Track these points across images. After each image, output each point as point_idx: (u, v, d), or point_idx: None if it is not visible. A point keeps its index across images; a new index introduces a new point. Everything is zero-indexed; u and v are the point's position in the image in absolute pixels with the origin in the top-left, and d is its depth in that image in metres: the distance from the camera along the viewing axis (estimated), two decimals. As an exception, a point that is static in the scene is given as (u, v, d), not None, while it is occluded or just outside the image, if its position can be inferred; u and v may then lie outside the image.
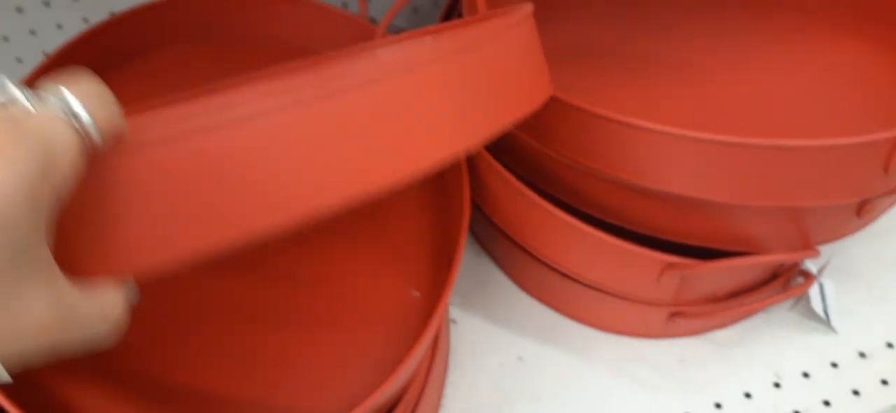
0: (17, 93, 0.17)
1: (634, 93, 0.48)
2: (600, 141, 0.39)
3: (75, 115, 0.18)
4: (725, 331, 0.49)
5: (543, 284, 0.49)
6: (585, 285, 0.46)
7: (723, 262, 0.41)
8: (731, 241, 0.42)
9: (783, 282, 0.47)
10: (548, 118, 0.41)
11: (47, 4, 0.58)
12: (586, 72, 0.50)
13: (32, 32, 0.59)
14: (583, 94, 0.40)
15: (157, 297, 0.35)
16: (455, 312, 0.50)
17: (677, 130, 0.36)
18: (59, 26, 0.59)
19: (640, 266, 0.42)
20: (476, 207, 0.49)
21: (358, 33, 0.52)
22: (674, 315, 0.45)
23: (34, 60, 0.61)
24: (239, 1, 0.54)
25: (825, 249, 0.52)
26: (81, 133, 0.18)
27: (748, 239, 0.42)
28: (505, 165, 0.45)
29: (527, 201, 0.43)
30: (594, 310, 0.48)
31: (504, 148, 0.45)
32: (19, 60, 0.60)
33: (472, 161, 0.46)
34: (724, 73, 0.50)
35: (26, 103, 0.17)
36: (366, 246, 0.44)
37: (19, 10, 0.57)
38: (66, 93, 0.18)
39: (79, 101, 0.18)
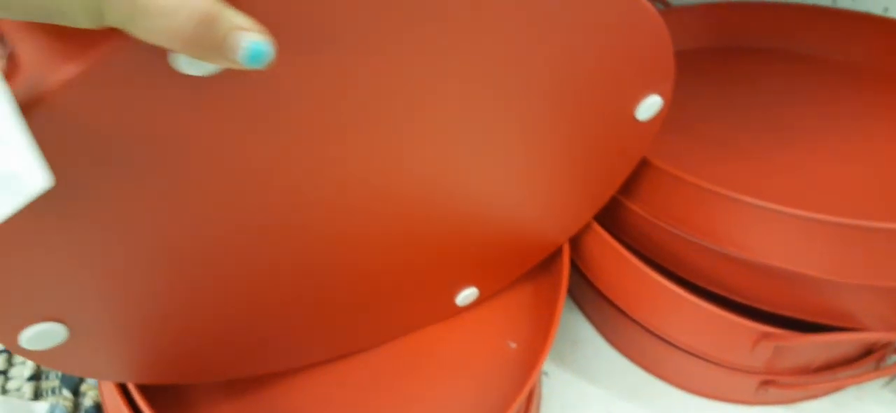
0: None
1: (738, 167, 0.49)
2: (706, 214, 0.41)
3: None
4: (815, 402, 0.49)
5: (635, 344, 0.51)
6: (678, 348, 0.47)
7: (821, 336, 0.42)
8: (829, 315, 0.43)
9: (877, 358, 0.47)
10: (654, 188, 0.44)
11: None
12: (691, 145, 0.52)
13: None
14: (687, 166, 0.42)
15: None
16: (547, 365, 0.52)
17: (784, 208, 0.38)
18: None
19: (736, 334, 0.43)
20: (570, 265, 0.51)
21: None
22: (765, 384, 0.46)
23: None
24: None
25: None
26: None
27: (846, 314, 0.43)
28: (604, 228, 0.47)
29: (626, 264, 0.45)
30: (685, 373, 0.49)
31: (605, 212, 0.47)
32: None
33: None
34: (828, 149, 0.51)
35: None
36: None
37: None
38: None
39: None
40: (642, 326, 0.48)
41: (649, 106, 0.38)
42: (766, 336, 0.43)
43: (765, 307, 0.44)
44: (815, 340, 0.42)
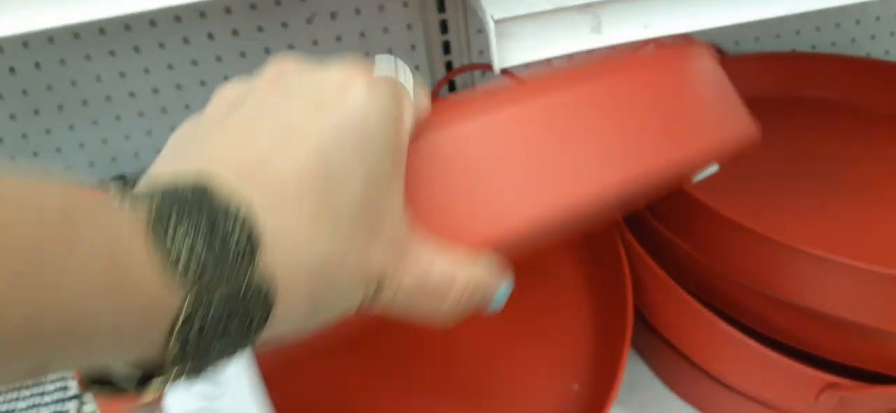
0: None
1: (799, 221, 0.50)
2: (773, 265, 0.42)
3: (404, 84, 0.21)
4: (879, 455, 0.49)
5: (695, 388, 0.51)
6: (739, 393, 0.48)
7: (887, 388, 0.42)
8: (891, 365, 0.43)
9: (943, 413, 0.47)
10: (713, 233, 0.44)
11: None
12: (752, 197, 0.52)
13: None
14: (747, 210, 0.43)
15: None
16: (605, 407, 0.53)
17: (847, 261, 0.39)
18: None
19: (801, 383, 0.44)
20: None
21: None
22: (827, 433, 0.46)
23: None
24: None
25: None
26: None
27: (914, 367, 0.43)
28: (668, 273, 0.48)
29: (689, 309, 0.46)
30: (745, 418, 0.49)
31: (666, 256, 0.48)
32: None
33: (633, 266, 0.49)
34: (879, 202, 0.51)
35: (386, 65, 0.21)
36: (530, 340, 0.48)
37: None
38: (402, 65, 0.22)
39: (409, 76, 0.21)
40: (703, 371, 0.48)
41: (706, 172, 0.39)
42: (831, 386, 0.43)
43: (827, 356, 0.44)
44: (884, 392, 0.42)
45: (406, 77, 0.21)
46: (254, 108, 0.19)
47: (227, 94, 0.20)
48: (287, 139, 0.17)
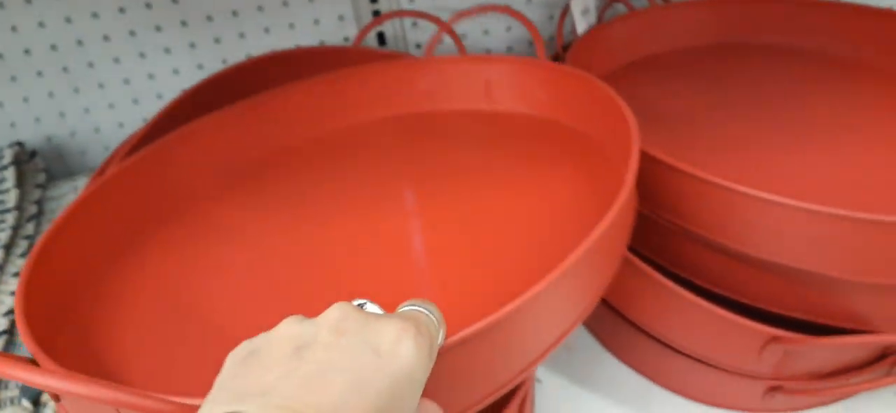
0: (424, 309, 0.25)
1: (742, 163, 0.47)
2: (712, 208, 0.39)
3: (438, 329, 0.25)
4: (827, 409, 0.46)
5: (634, 349, 0.48)
6: (681, 353, 0.45)
7: (832, 339, 0.39)
8: (841, 317, 0.40)
9: (892, 363, 0.44)
10: (656, 182, 0.41)
11: (168, 51, 0.61)
12: (694, 142, 0.49)
13: (151, 76, 0.62)
14: (691, 161, 0.39)
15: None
16: (541, 372, 0.49)
17: (795, 202, 0.36)
18: (176, 71, 0.62)
19: (743, 338, 0.41)
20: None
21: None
22: (772, 389, 0.44)
23: (150, 102, 0.64)
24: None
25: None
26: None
27: (858, 316, 0.40)
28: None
29: (626, 264, 0.43)
30: (688, 379, 0.46)
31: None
32: (136, 102, 0.64)
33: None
34: (836, 146, 0.49)
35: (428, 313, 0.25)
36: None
37: (142, 55, 0.60)
38: (438, 313, 0.25)
39: (440, 323, 0.25)
40: (642, 330, 0.45)
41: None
42: (775, 339, 0.40)
43: (773, 309, 0.42)
44: (827, 342, 0.39)
45: (437, 317, 0.25)
46: (323, 359, 0.22)
47: (290, 334, 0.23)
48: (356, 391, 0.21)
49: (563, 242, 0.37)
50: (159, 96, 0.64)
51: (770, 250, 0.38)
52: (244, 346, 0.23)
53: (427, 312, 0.25)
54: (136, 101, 0.64)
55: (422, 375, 0.23)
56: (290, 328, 0.23)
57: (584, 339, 0.52)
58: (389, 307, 0.26)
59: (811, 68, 0.59)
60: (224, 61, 0.63)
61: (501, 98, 0.52)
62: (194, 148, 0.46)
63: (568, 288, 0.31)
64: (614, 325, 0.48)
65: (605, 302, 0.47)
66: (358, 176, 0.46)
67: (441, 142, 0.50)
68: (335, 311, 0.23)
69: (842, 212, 0.35)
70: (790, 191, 0.43)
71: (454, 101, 0.53)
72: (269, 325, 0.24)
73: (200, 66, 0.63)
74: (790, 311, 0.41)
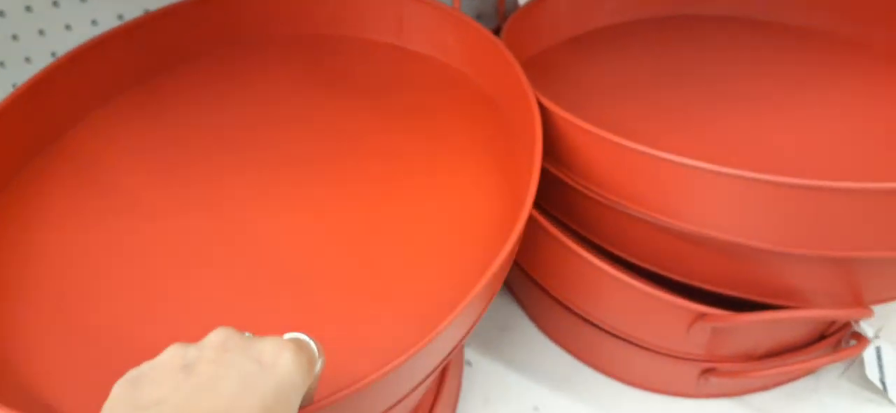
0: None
1: (687, 134, 0.44)
2: (631, 176, 0.36)
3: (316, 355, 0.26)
4: (766, 394, 0.44)
5: (568, 331, 0.46)
6: (611, 333, 0.42)
7: (758, 314, 0.37)
8: (773, 292, 0.38)
9: (833, 343, 0.42)
10: (577, 149, 0.39)
11: (56, 4, 0.58)
12: (643, 112, 0.47)
13: (41, 32, 0.59)
14: (636, 133, 0.37)
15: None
16: (471, 354, 0.47)
17: (716, 167, 0.33)
18: (68, 27, 0.59)
19: (668, 315, 0.38)
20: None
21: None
22: (706, 372, 0.41)
23: (43, 60, 0.61)
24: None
25: (887, 309, 0.48)
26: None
27: (791, 291, 0.38)
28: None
29: (548, 237, 0.40)
30: (620, 361, 0.44)
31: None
32: (28, 60, 0.61)
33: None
34: (783, 117, 0.46)
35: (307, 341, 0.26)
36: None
37: (28, 8, 0.57)
38: (318, 345, 0.26)
39: (320, 352, 0.26)
40: (570, 310, 0.43)
41: None
42: (701, 316, 0.38)
43: (704, 285, 0.39)
44: (753, 318, 0.37)
45: (317, 347, 0.26)
46: (211, 372, 0.23)
47: (175, 355, 0.24)
48: (245, 394, 0.23)
49: (457, 233, 0.36)
50: (53, 55, 0.61)
51: (693, 220, 0.36)
52: (129, 374, 0.24)
53: (307, 340, 0.26)
54: (28, 59, 0.61)
55: (302, 386, 0.24)
56: (175, 352, 0.24)
57: (519, 320, 0.49)
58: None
59: (760, 38, 0.57)
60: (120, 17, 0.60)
61: (413, 39, 0.51)
62: (79, 71, 0.44)
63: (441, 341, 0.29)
64: (547, 305, 0.46)
65: (536, 282, 0.45)
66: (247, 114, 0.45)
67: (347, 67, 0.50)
68: (217, 334, 0.25)
69: (764, 176, 0.33)
70: (722, 159, 0.41)
71: (364, 30, 0.52)
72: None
73: (94, 23, 0.60)
74: (722, 288, 0.39)
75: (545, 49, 0.56)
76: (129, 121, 0.44)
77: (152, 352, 0.25)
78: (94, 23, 0.60)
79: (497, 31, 0.53)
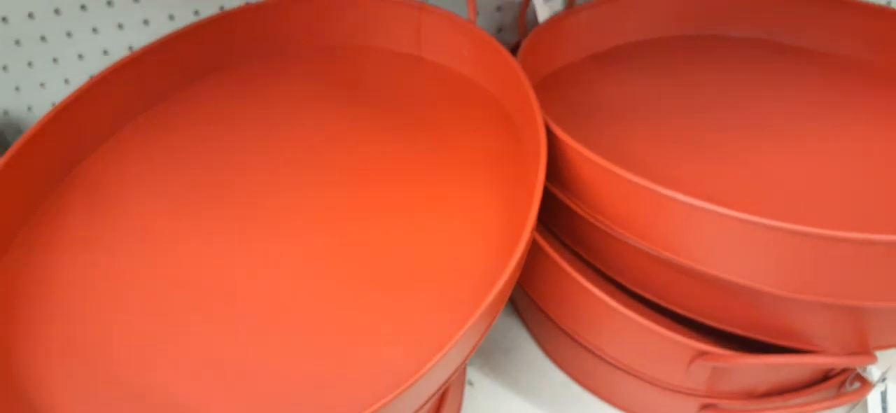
0: None
1: (702, 166, 0.44)
2: (639, 212, 0.36)
3: None
4: (766, 431, 0.44)
5: (571, 356, 0.46)
6: (610, 362, 0.42)
7: (759, 358, 0.36)
8: (776, 334, 0.38)
9: (836, 384, 0.42)
10: (587, 181, 0.39)
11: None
12: (656, 141, 0.47)
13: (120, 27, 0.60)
14: (649, 163, 0.37)
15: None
16: (474, 374, 0.47)
17: (718, 208, 0.33)
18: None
19: (668, 350, 0.38)
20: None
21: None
22: (706, 408, 0.41)
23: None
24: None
25: (893, 352, 0.47)
26: None
27: (795, 334, 0.37)
28: (540, 222, 0.42)
29: (550, 262, 0.40)
30: (620, 390, 0.44)
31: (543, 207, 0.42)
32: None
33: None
34: (804, 150, 0.46)
35: None
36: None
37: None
38: None
39: None
40: (571, 335, 0.43)
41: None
42: (701, 354, 0.37)
43: (707, 321, 0.39)
44: (756, 362, 0.36)
45: None
46: None
47: None
48: None
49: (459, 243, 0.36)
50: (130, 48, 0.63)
51: (696, 258, 0.35)
52: None
53: None
54: (66, 82, 0.63)
55: None
56: None
57: (524, 341, 0.50)
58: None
59: (784, 63, 0.56)
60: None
61: (432, 50, 0.52)
62: (98, 98, 0.45)
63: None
64: (550, 329, 0.46)
65: (539, 306, 0.45)
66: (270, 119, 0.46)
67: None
68: None
69: (772, 222, 0.32)
70: (734, 193, 0.41)
71: (384, 40, 0.53)
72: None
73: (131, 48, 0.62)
74: (725, 326, 0.39)
75: (565, 65, 0.56)
76: (144, 147, 0.45)
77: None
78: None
79: (517, 46, 0.53)
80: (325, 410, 0.31)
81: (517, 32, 0.57)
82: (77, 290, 0.36)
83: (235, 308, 0.35)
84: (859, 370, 0.41)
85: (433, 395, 0.32)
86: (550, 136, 0.39)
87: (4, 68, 0.62)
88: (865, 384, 0.40)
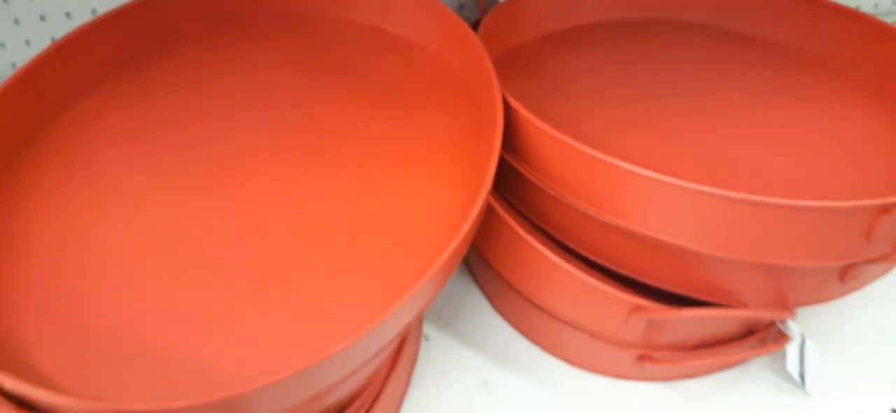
0: None
1: (640, 137, 0.48)
2: (582, 177, 0.39)
3: None
4: (696, 381, 0.48)
5: (520, 312, 0.49)
6: (554, 316, 0.46)
7: (690, 311, 0.40)
8: (705, 290, 0.41)
9: (760, 338, 0.46)
10: (536, 149, 0.41)
11: None
12: (600, 113, 0.50)
13: (42, 18, 0.61)
14: (582, 127, 0.40)
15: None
16: (430, 330, 0.50)
17: (659, 176, 0.36)
18: (68, 15, 0.61)
19: (608, 305, 0.42)
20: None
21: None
22: (642, 358, 0.45)
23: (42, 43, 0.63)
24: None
25: (813, 311, 0.51)
26: None
27: (722, 290, 0.41)
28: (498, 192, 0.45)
29: (503, 225, 0.43)
30: (564, 343, 0.48)
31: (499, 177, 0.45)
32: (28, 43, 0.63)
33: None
34: (735, 126, 0.49)
35: None
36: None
37: None
38: None
39: None
40: (521, 293, 0.46)
41: None
42: (638, 309, 0.41)
43: (643, 279, 0.43)
44: (686, 314, 0.40)
45: None
46: None
47: None
48: None
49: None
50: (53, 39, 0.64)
51: (639, 223, 0.39)
52: None
53: None
54: (27, 43, 0.64)
55: None
56: None
57: (477, 301, 0.53)
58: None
59: (727, 48, 0.60)
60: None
61: (396, 23, 0.54)
62: (68, 59, 0.46)
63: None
64: (502, 288, 0.49)
65: (492, 266, 0.48)
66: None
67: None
68: None
69: (706, 189, 0.36)
70: (671, 163, 0.45)
71: (349, 11, 0.55)
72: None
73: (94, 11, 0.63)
74: (659, 283, 0.42)
75: (523, 43, 0.59)
76: (115, 108, 0.46)
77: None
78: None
79: (477, 23, 0.56)
80: (292, 355, 0.33)
81: (477, 10, 0.60)
82: (50, 242, 0.38)
83: (202, 259, 0.37)
84: (780, 326, 0.45)
85: (392, 340, 0.35)
86: (507, 108, 0.42)
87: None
88: (784, 338, 0.44)
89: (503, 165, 0.45)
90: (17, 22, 0.63)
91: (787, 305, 0.42)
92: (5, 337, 0.33)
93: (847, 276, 0.40)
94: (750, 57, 0.59)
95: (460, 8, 0.71)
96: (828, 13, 0.58)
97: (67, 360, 0.33)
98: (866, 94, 0.54)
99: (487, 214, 0.45)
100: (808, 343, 0.46)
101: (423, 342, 0.49)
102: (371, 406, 0.41)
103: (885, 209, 0.35)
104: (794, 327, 0.45)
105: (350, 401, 0.39)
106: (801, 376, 0.46)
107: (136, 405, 0.28)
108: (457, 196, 0.40)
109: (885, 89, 0.53)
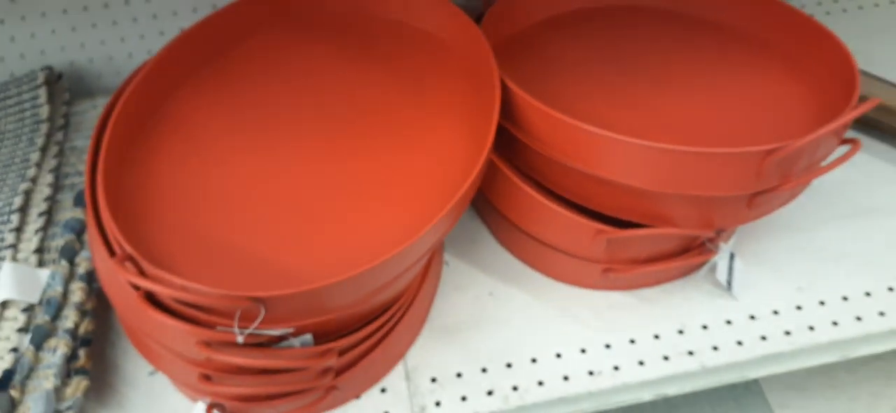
0: None
1: (606, 103, 0.61)
2: (561, 136, 0.53)
3: None
4: (649, 290, 0.63)
5: (515, 241, 0.64)
6: (541, 242, 0.61)
7: (637, 230, 0.55)
8: (651, 217, 0.56)
9: (696, 254, 0.61)
10: (528, 116, 0.55)
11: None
12: (577, 83, 0.63)
13: (154, 16, 0.75)
14: (565, 100, 0.54)
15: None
16: (449, 257, 0.66)
17: (617, 136, 0.49)
18: (175, 13, 0.76)
19: (578, 230, 0.56)
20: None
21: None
22: (606, 271, 0.60)
23: (154, 38, 0.78)
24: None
25: (744, 234, 0.66)
26: None
27: (664, 217, 0.55)
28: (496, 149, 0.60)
29: (502, 175, 0.58)
30: (548, 262, 0.63)
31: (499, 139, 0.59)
32: (142, 37, 0.77)
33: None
34: (681, 92, 0.62)
35: None
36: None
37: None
38: None
39: None
40: (516, 225, 0.61)
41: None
42: (599, 232, 0.56)
43: (607, 212, 0.57)
44: (634, 233, 0.55)
45: None
46: None
47: None
48: None
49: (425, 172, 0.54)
50: (161, 33, 0.78)
51: (603, 169, 0.51)
52: None
53: None
54: (142, 37, 0.78)
55: None
56: None
57: (484, 235, 0.67)
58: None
59: (687, 30, 0.71)
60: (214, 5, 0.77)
61: (416, 18, 0.68)
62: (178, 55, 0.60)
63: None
64: (502, 223, 0.64)
65: (494, 206, 0.63)
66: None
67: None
68: None
69: (653, 144, 0.48)
70: (639, 128, 0.58)
71: (380, 10, 0.69)
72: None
73: (195, 9, 0.77)
74: (619, 214, 0.56)
75: (521, 29, 0.70)
76: (211, 90, 0.61)
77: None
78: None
79: (481, 16, 0.70)
80: (351, 261, 0.48)
81: (482, 3, 0.73)
82: (176, 187, 0.53)
83: (281, 198, 0.52)
84: (709, 246, 0.60)
85: (427, 251, 0.50)
86: (504, 86, 0.56)
87: (94, 26, 0.77)
88: (711, 253, 0.59)
89: (502, 131, 0.59)
90: (135, 20, 0.77)
91: (711, 226, 0.57)
92: (153, 253, 0.49)
93: (752, 203, 0.55)
94: (700, 38, 0.70)
95: (467, 2, 0.84)
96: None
97: (195, 266, 0.47)
98: (783, 65, 0.65)
99: (490, 168, 0.59)
100: (736, 258, 0.61)
101: (444, 266, 0.65)
102: (408, 308, 0.56)
103: (769, 153, 0.49)
104: (722, 246, 0.60)
105: (394, 301, 0.54)
106: (729, 283, 0.61)
107: (260, 292, 0.43)
108: (467, 154, 0.55)
109: (797, 63, 0.66)
